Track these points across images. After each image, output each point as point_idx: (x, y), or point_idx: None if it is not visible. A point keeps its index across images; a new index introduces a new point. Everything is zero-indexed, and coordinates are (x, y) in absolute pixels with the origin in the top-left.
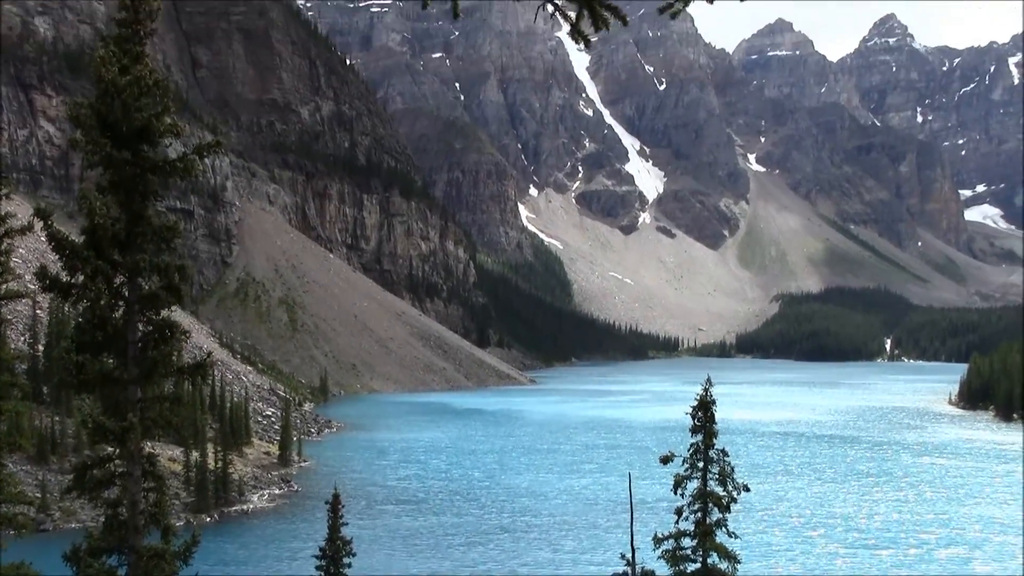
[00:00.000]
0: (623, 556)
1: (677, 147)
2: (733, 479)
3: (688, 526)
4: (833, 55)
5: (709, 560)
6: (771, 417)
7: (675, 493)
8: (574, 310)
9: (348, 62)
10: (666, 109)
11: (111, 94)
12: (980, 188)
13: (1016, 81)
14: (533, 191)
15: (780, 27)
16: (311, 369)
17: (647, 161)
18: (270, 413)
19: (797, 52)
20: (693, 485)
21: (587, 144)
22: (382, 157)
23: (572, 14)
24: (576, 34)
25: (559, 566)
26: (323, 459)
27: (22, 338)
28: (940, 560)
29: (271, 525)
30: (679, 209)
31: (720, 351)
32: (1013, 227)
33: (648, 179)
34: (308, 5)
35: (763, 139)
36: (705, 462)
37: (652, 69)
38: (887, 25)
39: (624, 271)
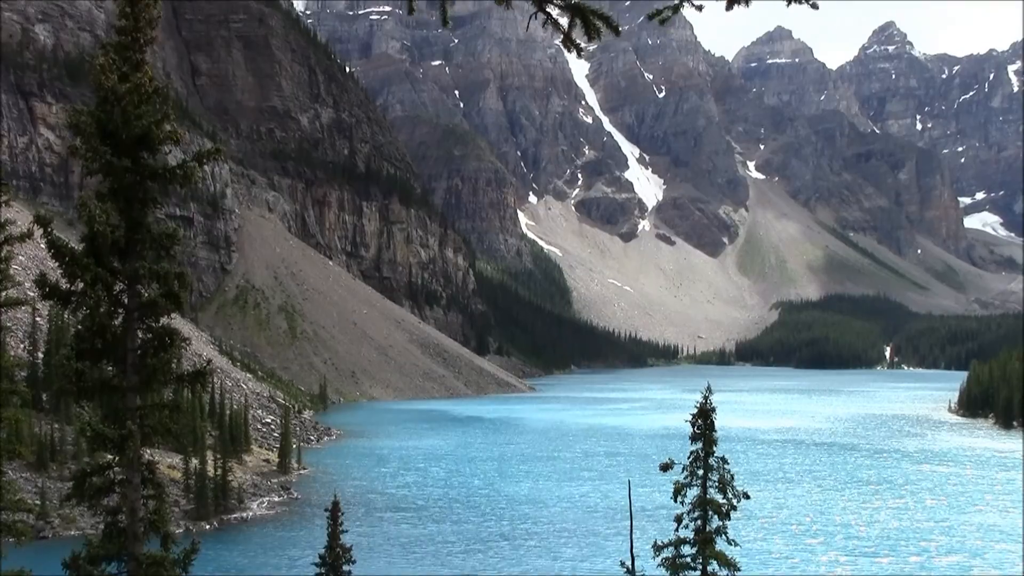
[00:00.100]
0: (623, 563)
1: (676, 154)
2: (733, 486)
3: (688, 533)
4: (832, 63)
5: (709, 568)
6: (771, 425)
7: (675, 500)
8: (573, 317)
9: (348, 70)
10: (665, 116)
11: (111, 101)
12: (979, 195)
13: (1015, 89)
14: (532, 198)
15: (779, 35)
16: (310, 376)
17: (646, 168)
18: (269, 420)
19: (796, 60)
20: (693, 492)
21: (586, 151)
22: (381, 164)
23: (565, 23)
24: (569, 43)
25: (559, 573)
26: (322, 466)
27: (21, 345)
28: (940, 568)
29: (271, 532)
30: (678, 216)
31: (719, 359)
32: (1012, 234)
33: (647, 186)
34: (308, 13)
35: (762, 146)
36: (705, 469)
37: (651, 77)
38: (886, 33)
39: (623, 278)
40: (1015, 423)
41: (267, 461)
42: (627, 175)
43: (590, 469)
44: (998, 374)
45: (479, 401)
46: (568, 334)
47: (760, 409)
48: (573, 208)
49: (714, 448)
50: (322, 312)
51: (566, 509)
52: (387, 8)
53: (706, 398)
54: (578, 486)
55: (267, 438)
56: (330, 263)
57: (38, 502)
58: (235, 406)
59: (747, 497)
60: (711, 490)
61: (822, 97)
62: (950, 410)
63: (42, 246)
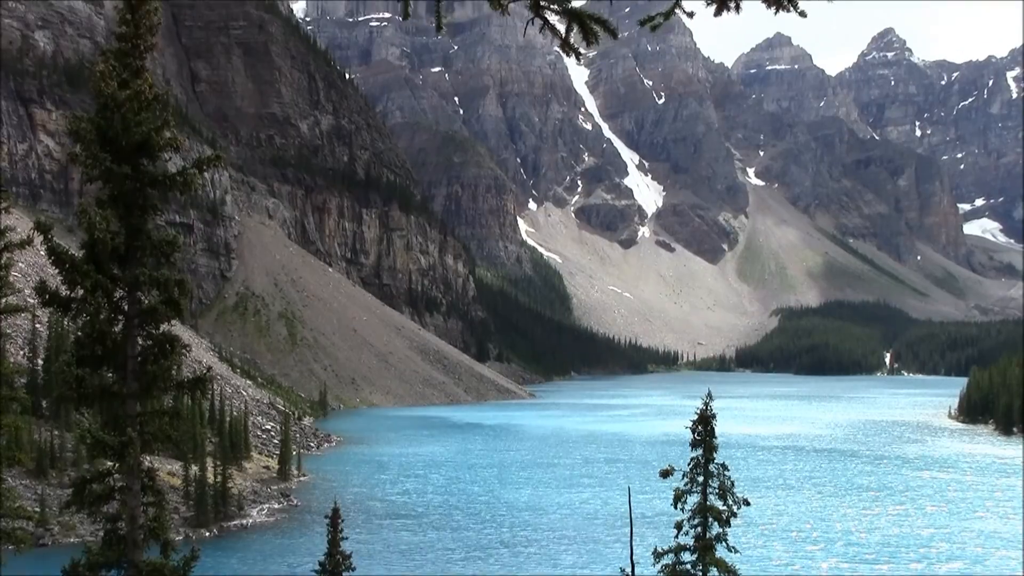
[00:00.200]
0: (623, 570)
1: (676, 161)
2: (733, 493)
3: (688, 540)
4: (832, 69)
5: (709, 574)
6: (771, 431)
7: (675, 507)
8: (573, 324)
9: (347, 76)
10: (665, 123)
11: (111, 108)
12: (979, 202)
13: (1014, 95)
14: (532, 205)
15: (779, 41)
16: (310, 383)
17: (646, 175)
18: (269, 427)
19: (796, 66)
20: (693, 499)
21: (586, 158)
22: (381, 171)
23: (562, 28)
24: (567, 48)
25: None
26: (322, 473)
27: (21, 352)
28: (941, 574)
29: (270, 540)
30: (678, 223)
31: (719, 365)
32: (1012, 241)
33: (647, 193)
34: (307, 19)
35: (762, 153)
36: (705, 476)
37: (651, 83)
38: (886, 39)
39: (623, 285)
40: (1015, 429)
41: (267, 468)
42: (627, 182)
43: (590, 476)
44: (998, 380)
45: (479, 408)
46: (568, 341)
47: (760, 415)
48: (573, 215)
49: (714, 454)
50: (322, 319)
51: (566, 516)
52: (387, 15)
53: (706, 404)
54: (578, 493)
55: (267, 445)
56: (330, 270)
57: (38, 509)
58: (235, 413)
59: (747, 504)
60: (711, 497)
61: (821, 103)
62: (950, 416)
63: (42, 253)
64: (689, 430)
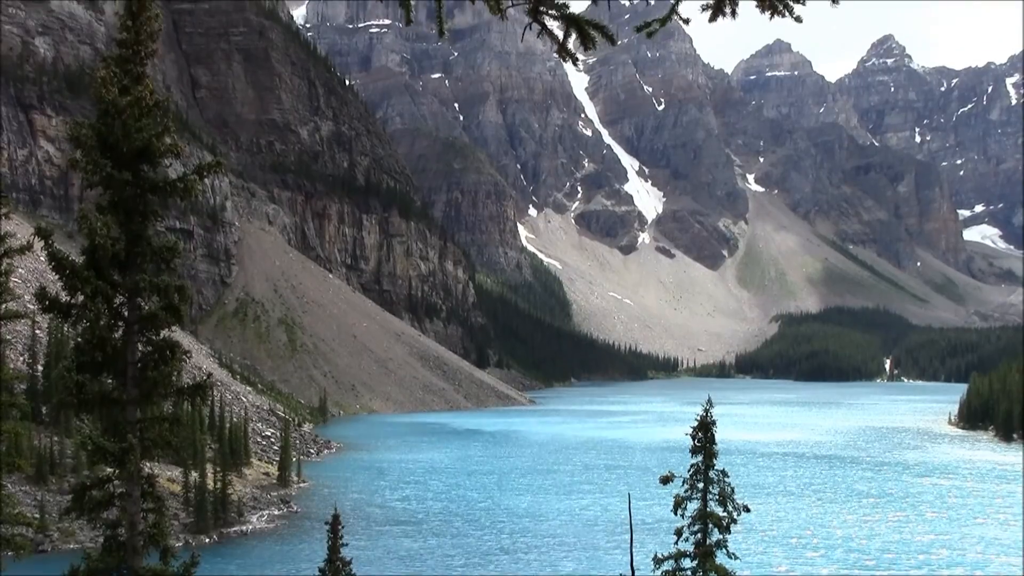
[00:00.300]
0: None
1: (676, 167)
2: (733, 500)
3: (688, 547)
4: (832, 75)
5: None
6: (771, 437)
7: (675, 514)
8: (573, 330)
9: (347, 83)
10: (665, 129)
11: (112, 114)
12: (979, 208)
13: (1014, 101)
14: (532, 211)
15: (779, 48)
16: (310, 389)
17: (646, 181)
18: (269, 433)
19: (796, 72)
20: (693, 506)
21: (586, 164)
22: (381, 177)
23: (560, 33)
24: (564, 53)
25: None
26: (322, 480)
27: (21, 358)
28: None
29: (270, 546)
30: (678, 229)
31: (719, 371)
32: (1012, 247)
33: (647, 199)
34: (308, 26)
35: (762, 159)
36: (705, 482)
37: (651, 89)
38: (885, 46)
39: (623, 291)
40: (1015, 435)
41: (267, 474)
42: (627, 188)
43: (590, 482)
44: (998, 386)
45: (479, 414)
46: (568, 347)
47: (760, 422)
48: (573, 221)
49: (714, 461)
50: (322, 325)
51: (566, 522)
52: (387, 21)
53: (706, 411)
54: (578, 499)
55: (267, 451)
56: (330, 276)
57: (37, 515)
58: (235, 419)
59: (747, 510)
60: (711, 503)
61: (821, 110)
62: (950, 422)
63: (42, 259)
64: (689, 436)
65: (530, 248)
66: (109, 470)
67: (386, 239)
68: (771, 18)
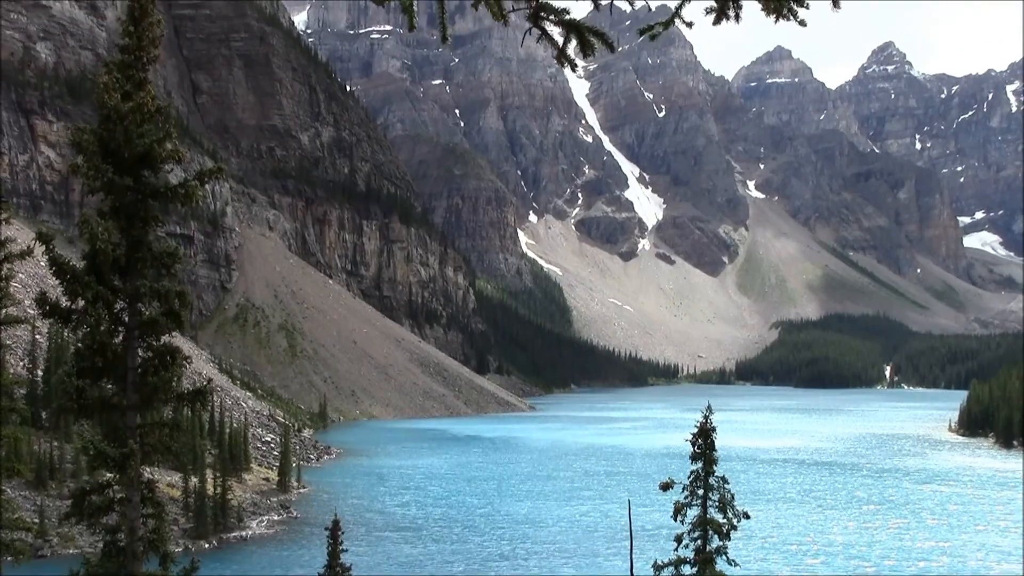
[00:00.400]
0: None
1: (676, 174)
2: (733, 506)
3: (688, 553)
4: (832, 82)
5: None
6: (771, 444)
7: (675, 520)
8: (573, 336)
9: (348, 88)
10: (665, 136)
11: (113, 120)
12: (979, 215)
13: (1014, 108)
14: (533, 217)
15: (779, 54)
16: (310, 395)
17: (646, 188)
18: (269, 439)
19: (796, 79)
20: (693, 512)
21: (586, 171)
22: (382, 183)
23: (560, 39)
24: (563, 58)
25: None
26: (322, 485)
27: (21, 363)
28: None
29: (270, 551)
30: (678, 235)
31: (719, 378)
32: (1012, 254)
33: (647, 205)
34: (308, 32)
35: (762, 166)
36: (705, 489)
37: (651, 96)
38: (885, 52)
39: (623, 298)
40: (1015, 442)
41: (267, 480)
42: (627, 194)
43: (590, 488)
44: (998, 393)
45: (479, 420)
46: (568, 353)
47: (760, 428)
48: (573, 227)
49: (714, 467)
50: (322, 330)
51: (566, 529)
52: (388, 27)
53: (706, 417)
54: (578, 505)
55: (267, 457)
56: (330, 282)
57: (37, 520)
58: (235, 424)
59: (747, 517)
60: (711, 510)
61: (822, 116)
62: (950, 429)
63: (42, 264)
64: (689, 443)
65: (530, 254)
66: (109, 475)
67: (386, 245)
68: (776, 21)
